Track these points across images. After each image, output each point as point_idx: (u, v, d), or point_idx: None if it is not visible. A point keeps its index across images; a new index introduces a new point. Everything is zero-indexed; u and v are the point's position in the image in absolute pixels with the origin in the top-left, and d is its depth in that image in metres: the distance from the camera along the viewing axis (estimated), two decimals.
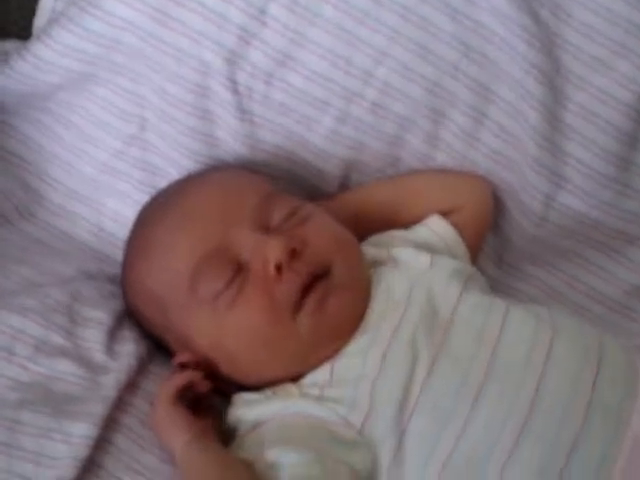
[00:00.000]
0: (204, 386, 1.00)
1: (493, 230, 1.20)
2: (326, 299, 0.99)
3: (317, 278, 0.99)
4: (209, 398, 1.02)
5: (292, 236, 1.00)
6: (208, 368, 1.02)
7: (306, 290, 0.98)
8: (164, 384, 0.99)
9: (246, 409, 0.99)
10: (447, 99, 1.13)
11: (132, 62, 1.14)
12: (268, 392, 1.00)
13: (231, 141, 1.15)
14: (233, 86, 1.13)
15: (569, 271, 1.23)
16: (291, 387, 1.00)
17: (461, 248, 1.13)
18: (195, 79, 1.13)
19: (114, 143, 1.20)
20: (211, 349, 1.02)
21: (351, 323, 1.01)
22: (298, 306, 0.98)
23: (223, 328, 1.00)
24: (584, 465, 0.93)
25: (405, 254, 1.08)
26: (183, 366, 1.02)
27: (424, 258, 1.06)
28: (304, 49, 1.11)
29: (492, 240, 1.21)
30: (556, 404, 0.94)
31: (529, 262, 1.22)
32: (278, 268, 0.97)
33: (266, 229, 1.02)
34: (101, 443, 0.95)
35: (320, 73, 1.12)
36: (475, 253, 1.17)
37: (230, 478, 0.92)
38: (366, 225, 1.14)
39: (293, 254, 0.98)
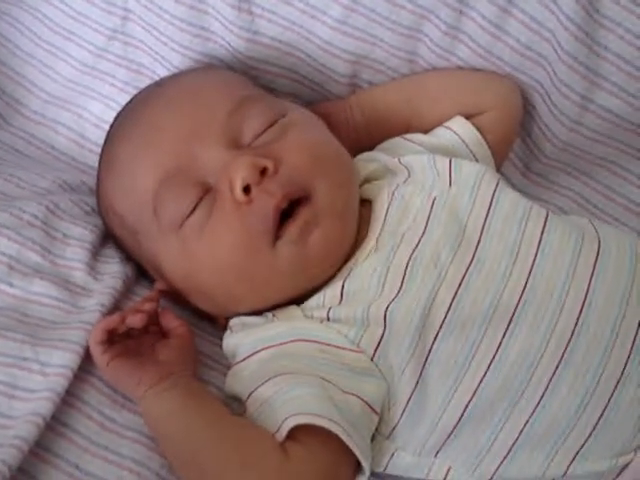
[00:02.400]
0: (137, 322, 0.86)
1: (520, 135, 1.11)
2: (310, 228, 0.88)
3: (298, 202, 0.88)
4: (170, 320, 0.90)
5: (264, 152, 0.89)
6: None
7: (285, 216, 0.87)
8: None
9: (243, 334, 0.90)
10: None
11: None
12: (269, 315, 0.91)
13: (225, 34, 1.04)
14: None
15: (606, 181, 1.13)
16: (294, 309, 0.90)
17: (485, 153, 1.02)
18: None
19: (95, 38, 1.11)
20: (182, 281, 0.92)
21: (337, 256, 0.90)
22: (276, 234, 0.87)
23: (191, 260, 0.90)
24: (634, 395, 0.84)
25: (419, 162, 0.96)
26: (164, 293, 0.93)
27: (442, 164, 0.94)
28: None
29: (519, 147, 1.11)
30: (602, 329, 0.85)
31: (561, 171, 1.13)
32: (246, 189, 0.86)
33: (237, 145, 0.90)
34: (82, 374, 0.86)
35: None
36: (500, 161, 1.07)
37: (196, 428, 0.82)
38: (379, 130, 1.04)
39: (263, 173, 0.87)
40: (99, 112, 1.12)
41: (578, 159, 1.10)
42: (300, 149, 0.90)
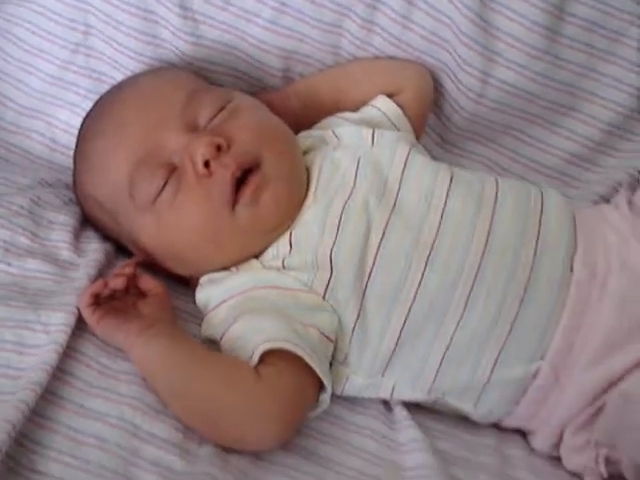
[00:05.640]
0: (118, 284, 1.00)
1: (433, 111, 1.25)
2: (260, 191, 1.02)
3: (249, 171, 1.02)
4: (147, 282, 1.03)
5: (217, 132, 1.03)
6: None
7: (240, 184, 1.02)
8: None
9: (212, 287, 1.04)
10: None
11: None
12: (233, 269, 1.05)
13: (174, 40, 1.19)
14: None
15: (509, 146, 1.27)
16: (254, 262, 1.05)
17: (405, 126, 1.17)
18: None
19: (60, 53, 1.23)
20: (159, 249, 1.06)
21: (287, 213, 1.04)
22: (234, 199, 1.01)
23: (166, 230, 1.04)
24: (537, 310, 1.00)
25: (347, 131, 1.12)
26: (141, 263, 1.06)
27: (366, 133, 1.10)
28: None
29: (433, 121, 1.26)
30: (505, 256, 1.01)
31: (471, 140, 1.27)
32: (206, 164, 1.01)
33: (194, 128, 1.05)
34: (78, 331, 0.98)
35: None
36: (419, 133, 1.21)
37: (182, 363, 0.95)
38: (315, 113, 1.18)
39: (219, 149, 1.01)
40: (67, 119, 1.24)
41: (485, 128, 1.25)
42: (247, 127, 1.04)
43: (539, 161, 1.27)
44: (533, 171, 1.27)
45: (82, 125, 1.14)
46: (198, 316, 1.06)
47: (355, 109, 1.18)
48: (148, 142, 1.04)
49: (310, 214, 1.04)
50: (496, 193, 1.05)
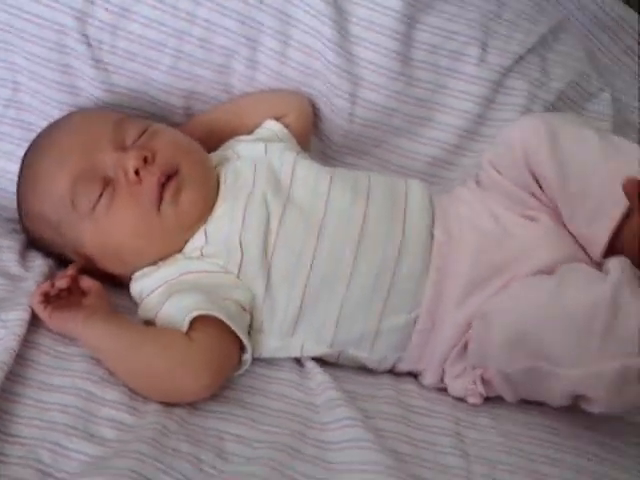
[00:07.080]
0: (63, 283, 1.19)
1: (315, 133, 1.45)
2: (179, 192, 1.23)
3: (170, 177, 1.23)
4: (87, 282, 1.22)
5: (144, 148, 1.24)
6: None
7: (163, 187, 1.22)
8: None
9: (145, 279, 1.23)
10: (257, 28, 1.38)
11: (3, 34, 1.37)
12: (160, 263, 1.25)
13: (90, 89, 1.38)
14: (85, 40, 1.36)
15: (380, 156, 1.47)
16: (178, 256, 1.25)
17: (291, 139, 1.39)
18: (55, 39, 1.36)
19: None
20: (100, 252, 1.25)
21: (203, 209, 1.25)
22: (159, 199, 1.22)
23: (105, 232, 1.23)
24: (409, 268, 1.23)
25: (244, 147, 1.34)
26: (82, 269, 1.25)
27: (259, 146, 1.33)
28: (138, 1, 1.36)
29: (315, 141, 1.46)
30: (379, 231, 1.24)
31: (348, 155, 1.47)
32: (137, 173, 1.21)
33: (123, 148, 1.25)
34: (34, 327, 1.16)
35: (154, 19, 1.37)
36: (305, 150, 1.41)
37: (124, 337, 1.14)
38: (217, 139, 1.39)
39: (146, 160, 1.22)
40: (3, 165, 1.39)
41: (358, 143, 1.45)
42: (167, 144, 1.26)
43: (405, 166, 1.46)
44: (402, 175, 1.44)
45: (24, 157, 1.31)
46: (132, 308, 1.24)
47: (249, 133, 1.39)
48: (85, 161, 1.23)
49: (219, 211, 1.25)
50: (369, 183, 1.28)
